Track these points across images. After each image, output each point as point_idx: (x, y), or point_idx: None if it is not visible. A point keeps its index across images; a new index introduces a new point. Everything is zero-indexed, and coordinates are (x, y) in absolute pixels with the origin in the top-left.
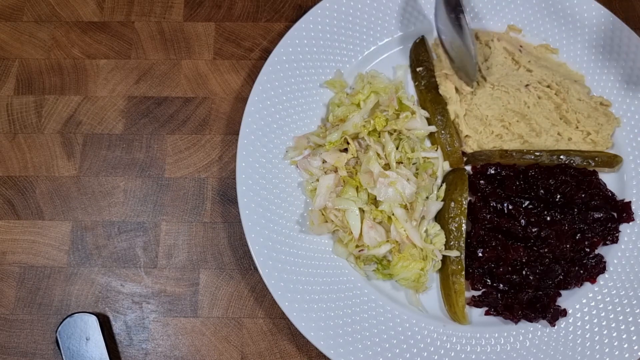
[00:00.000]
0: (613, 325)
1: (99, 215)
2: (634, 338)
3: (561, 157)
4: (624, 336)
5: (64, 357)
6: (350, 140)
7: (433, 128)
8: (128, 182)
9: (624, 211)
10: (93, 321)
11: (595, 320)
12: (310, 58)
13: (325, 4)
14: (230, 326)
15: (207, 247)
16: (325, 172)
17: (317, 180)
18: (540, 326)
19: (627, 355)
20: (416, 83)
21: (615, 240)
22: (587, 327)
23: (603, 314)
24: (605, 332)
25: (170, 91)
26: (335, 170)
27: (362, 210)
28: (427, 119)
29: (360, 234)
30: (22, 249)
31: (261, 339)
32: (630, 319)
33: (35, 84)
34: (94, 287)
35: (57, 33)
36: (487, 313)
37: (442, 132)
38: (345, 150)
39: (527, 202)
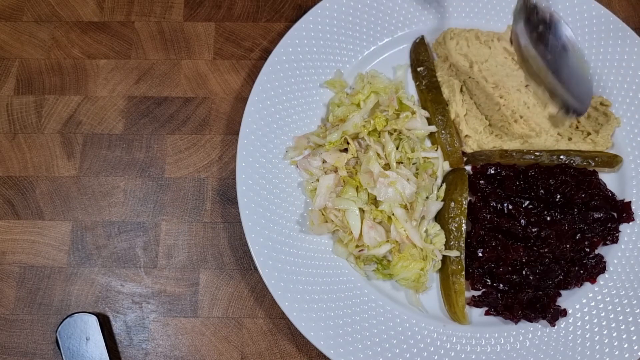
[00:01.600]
0: (613, 325)
1: (99, 215)
2: (634, 338)
3: (561, 157)
4: (624, 336)
5: (64, 357)
6: (350, 140)
7: (433, 128)
8: (128, 182)
9: (624, 211)
10: (93, 321)
11: (595, 320)
12: (310, 58)
13: (325, 4)
14: (230, 326)
15: (207, 247)
16: (325, 172)
17: (317, 180)
18: (540, 326)
19: (627, 355)
20: (417, 83)
21: (615, 240)
22: (587, 327)
23: (603, 314)
24: (605, 332)
25: (170, 91)
26: (335, 170)
27: (362, 210)
28: (427, 118)
29: (360, 234)
30: (22, 249)
31: (261, 339)
32: (631, 319)
33: (35, 84)
34: (94, 287)
35: (57, 33)
36: (487, 313)
37: (443, 132)
38: (345, 150)
39: (527, 202)
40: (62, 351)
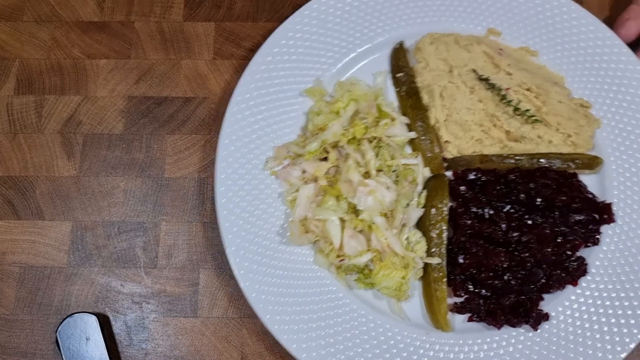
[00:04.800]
0: (596, 327)
1: (99, 215)
2: (617, 339)
3: (541, 160)
4: (607, 337)
5: (64, 357)
6: (330, 149)
7: (413, 134)
8: (128, 182)
9: (604, 212)
10: (93, 321)
11: (578, 323)
12: (289, 67)
13: (303, 12)
14: (230, 326)
15: (207, 247)
16: (305, 182)
17: (297, 190)
18: (523, 331)
19: (610, 357)
20: (397, 89)
21: (596, 242)
22: (570, 329)
23: (586, 316)
24: (588, 334)
25: (170, 91)
26: (315, 180)
27: (342, 220)
28: (407, 125)
29: (341, 244)
30: (22, 249)
31: (261, 339)
32: (613, 320)
33: (35, 84)
34: (94, 287)
35: (57, 33)
36: (469, 319)
37: (423, 138)
38: (325, 159)
39: (508, 207)
40: (62, 351)
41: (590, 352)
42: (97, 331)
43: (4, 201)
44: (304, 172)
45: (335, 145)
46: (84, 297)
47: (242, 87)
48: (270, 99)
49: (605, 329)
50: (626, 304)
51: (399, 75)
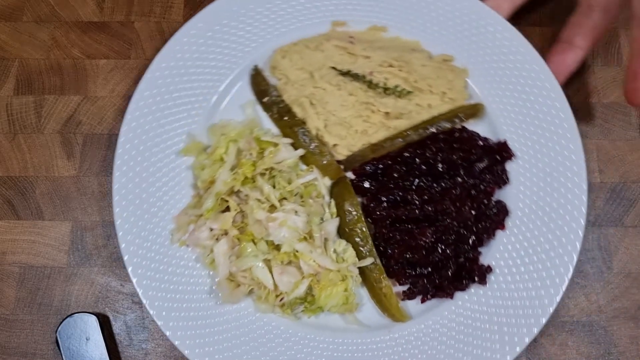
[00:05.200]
0: (535, 259)
1: (98, 215)
2: (558, 262)
3: (428, 127)
4: (549, 264)
5: (64, 357)
6: (227, 198)
7: (301, 151)
8: None
9: (503, 151)
10: (93, 321)
11: (518, 262)
12: (160, 132)
13: (153, 73)
14: None
15: None
16: (217, 239)
17: (212, 250)
18: (473, 290)
19: (557, 281)
20: (269, 113)
21: (506, 180)
22: (514, 270)
23: (523, 253)
24: (532, 268)
25: None
26: (226, 233)
27: (267, 261)
28: (291, 144)
29: (275, 284)
30: (22, 249)
31: None
32: (548, 246)
33: (35, 84)
34: (94, 287)
35: (57, 33)
36: (422, 301)
37: (311, 150)
38: (227, 208)
39: (415, 182)
40: (62, 351)
41: (539, 283)
42: (97, 331)
43: (4, 201)
44: (211, 230)
45: (231, 192)
46: (84, 297)
47: (117, 171)
48: (154, 169)
49: (544, 256)
50: (558, 233)
51: (265, 99)
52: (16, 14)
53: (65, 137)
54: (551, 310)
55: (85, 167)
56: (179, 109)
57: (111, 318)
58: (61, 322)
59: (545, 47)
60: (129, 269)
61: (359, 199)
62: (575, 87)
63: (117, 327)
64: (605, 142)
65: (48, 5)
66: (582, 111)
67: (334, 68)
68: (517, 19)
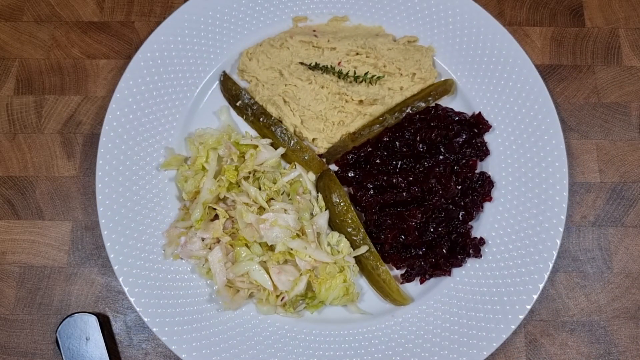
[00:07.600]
0: (525, 225)
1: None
2: (547, 226)
3: (404, 109)
4: (538, 229)
5: (64, 357)
6: (215, 206)
7: (281, 150)
8: None
9: (479, 123)
10: (93, 321)
11: (509, 230)
12: (138, 150)
13: (123, 92)
14: None
15: None
16: (210, 248)
17: (207, 260)
18: (470, 264)
19: (549, 244)
20: (244, 117)
21: (487, 152)
22: (506, 239)
23: (512, 221)
24: (522, 235)
25: None
26: (218, 241)
27: (263, 263)
28: (271, 144)
29: (274, 284)
30: (22, 249)
31: None
32: (535, 211)
33: (35, 84)
34: (94, 287)
35: (57, 33)
36: (422, 281)
37: (291, 147)
38: (216, 216)
39: (399, 164)
40: (62, 351)
41: (533, 249)
42: (97, 331)
43: (4, 201)
44: (203, 240)
45: (218, 200)
46: (84, 297)
47: (100, 195)
48: (140, 186)
49: (533, 222)
50: (543, 197)
51: (238, 103)
52: (16, 13)
53: (66, 137)
54: (546, 275)
55: (86, 167)
56: (153, 124)
57: (111, 318)
58: (61, 322)
59: (546, 47)
60: (126, 289)
61: (346, 189)
62: (575, 87)
63: (117, 327)
64: (605, 142)
65: (48, 5)
66: (582, 111)
67: (302, 63)
68: (517, 18)
